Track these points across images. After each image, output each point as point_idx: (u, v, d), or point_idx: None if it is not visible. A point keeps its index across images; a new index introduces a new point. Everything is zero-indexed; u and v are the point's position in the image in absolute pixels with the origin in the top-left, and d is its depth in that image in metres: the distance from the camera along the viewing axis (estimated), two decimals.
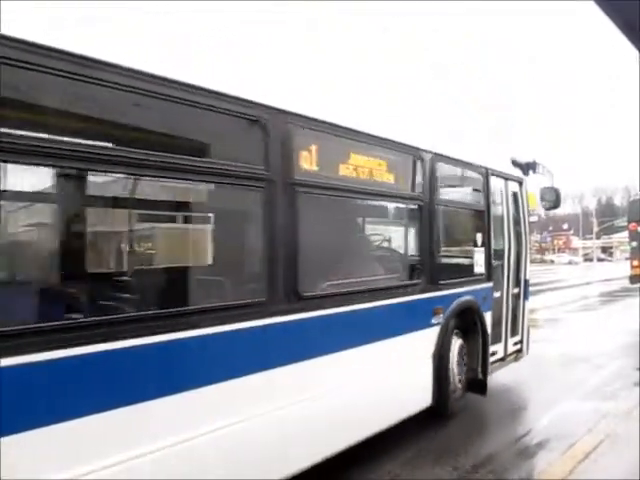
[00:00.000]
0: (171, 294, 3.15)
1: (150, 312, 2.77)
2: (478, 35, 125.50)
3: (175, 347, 2.69)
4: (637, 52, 1.80)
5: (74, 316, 2.51)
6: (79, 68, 2.36)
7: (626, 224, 14.21)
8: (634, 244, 12.70)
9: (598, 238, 72.13)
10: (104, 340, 2.40)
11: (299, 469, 3.27)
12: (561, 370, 7.28)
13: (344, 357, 3.67)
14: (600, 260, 65.06)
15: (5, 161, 2.27)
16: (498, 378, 6.11)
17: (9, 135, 2.16)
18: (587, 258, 68.45)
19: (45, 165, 2.48)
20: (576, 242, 78.70)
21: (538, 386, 6.45)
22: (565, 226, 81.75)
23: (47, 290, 2.76)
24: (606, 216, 73.00)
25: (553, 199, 6.82)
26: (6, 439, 2.07)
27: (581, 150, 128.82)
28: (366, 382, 3.86)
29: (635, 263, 12.58)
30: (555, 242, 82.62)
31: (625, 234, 21.21)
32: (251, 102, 3.12)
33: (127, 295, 3.06)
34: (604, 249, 78.91)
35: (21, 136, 2.23)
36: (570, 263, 56.21)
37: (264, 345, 3.16)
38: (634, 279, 12.88)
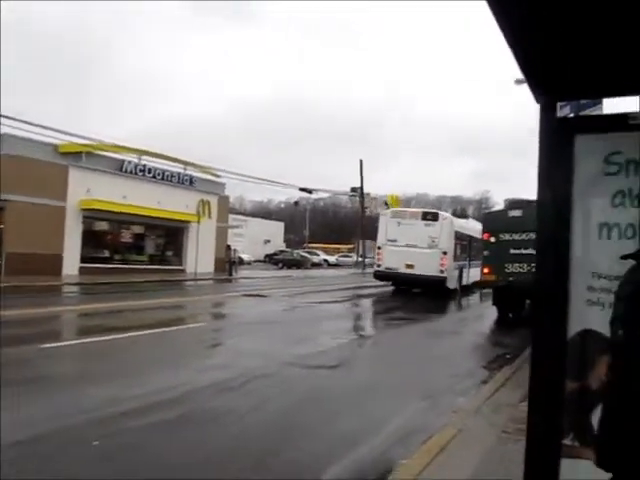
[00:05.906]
0: None
1: None
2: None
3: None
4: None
5: None
6: None
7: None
8: (486, 252, 13.94)
9: None
10: None
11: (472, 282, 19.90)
12: (419, 369, 7.76)
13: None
14: None
15: None
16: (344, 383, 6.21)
17: None
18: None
19: None
20: None
21: (396, 384, 6.76)
22: None
23: None
24: None
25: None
26: None
27: None
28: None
29: (485, 270, 13.81)
30: None
31: None
32: None
33: None
34: None
35: None
36: None
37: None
38: (483, 284, 14.31)
